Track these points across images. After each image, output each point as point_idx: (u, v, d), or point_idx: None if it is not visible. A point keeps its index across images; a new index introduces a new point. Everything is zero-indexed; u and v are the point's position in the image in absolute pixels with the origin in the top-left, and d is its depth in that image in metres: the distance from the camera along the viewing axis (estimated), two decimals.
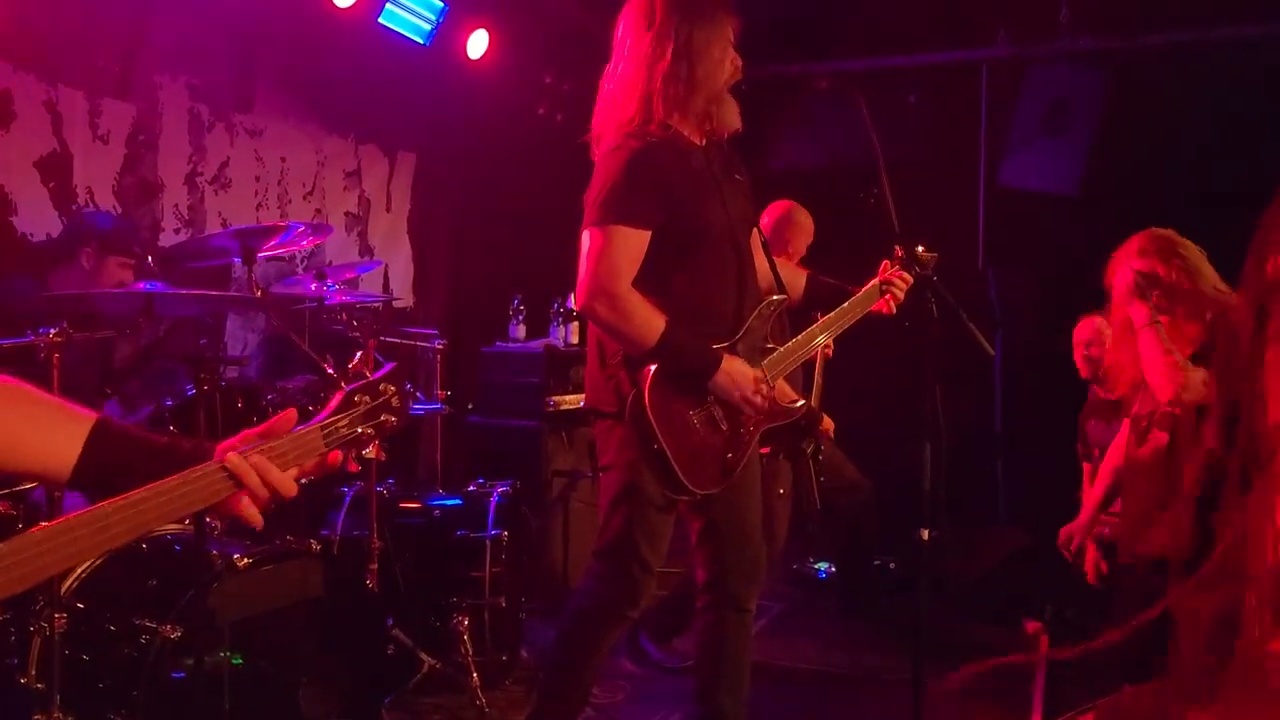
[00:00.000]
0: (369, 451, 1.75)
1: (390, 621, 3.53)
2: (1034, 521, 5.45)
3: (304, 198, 5.27)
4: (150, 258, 3.66)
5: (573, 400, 5.06)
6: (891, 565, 5.33)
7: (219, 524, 3.02)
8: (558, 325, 5.33)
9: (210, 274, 4.23)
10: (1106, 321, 4.31)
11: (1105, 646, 3.77)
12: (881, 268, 3.10)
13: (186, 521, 3.09)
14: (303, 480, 1.59)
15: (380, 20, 4.99)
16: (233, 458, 1.48)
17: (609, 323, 2.61)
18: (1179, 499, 3.12)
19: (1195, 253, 3.24)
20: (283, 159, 5.12)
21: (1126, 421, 3.56)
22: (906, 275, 3.06)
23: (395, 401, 1.71)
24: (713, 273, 2.73)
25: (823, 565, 5.69)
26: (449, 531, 3.91)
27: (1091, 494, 3.93)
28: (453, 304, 6.21)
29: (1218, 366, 2.72)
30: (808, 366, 4.09)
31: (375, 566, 3.67)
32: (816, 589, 5.54)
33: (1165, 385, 3.07)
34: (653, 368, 2.58)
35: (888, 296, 3.05)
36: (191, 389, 3.08)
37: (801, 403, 2.89)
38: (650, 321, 2.57)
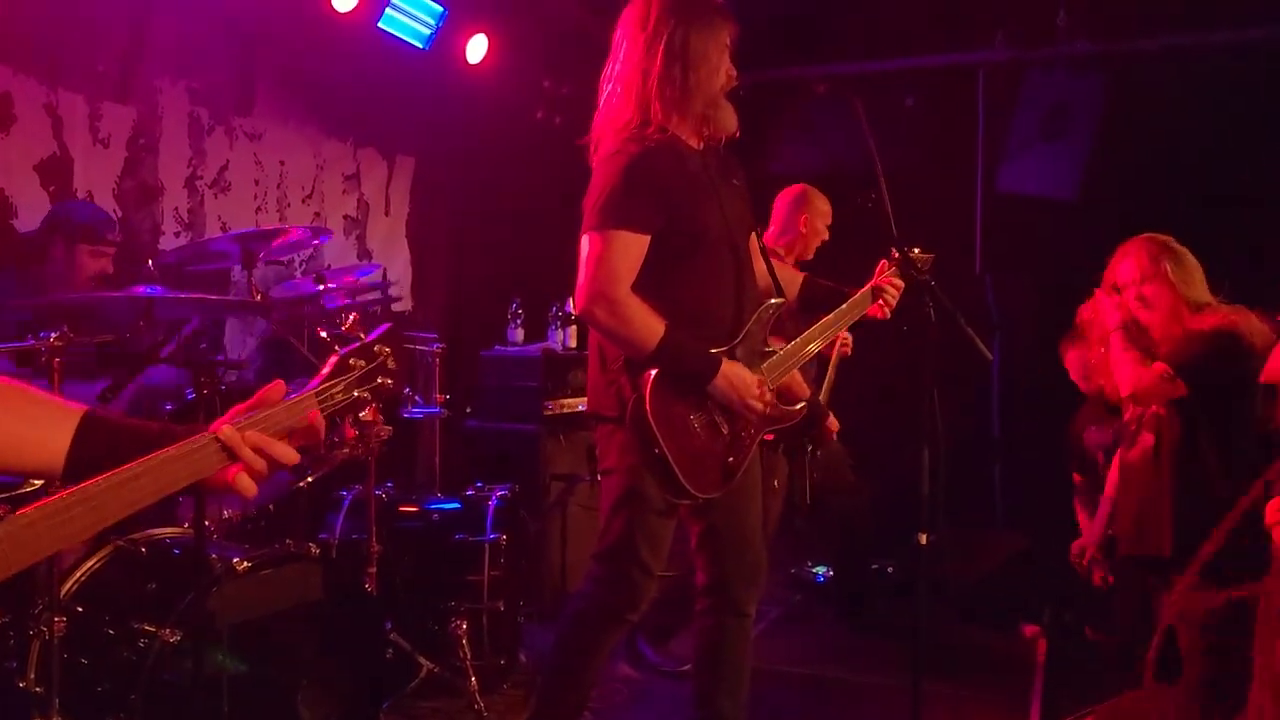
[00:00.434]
0: (365, 414, 1.71)
1: (389, 625, 3.54)
2: (1032, 525, 5.47)
3: (303, 201, 5.27)
4: (150, 262, 3.66)
5: (571, 404, 5.06)
6: (890, 569, 5.33)
7: (216, 528, 3.03)
8: (556, 329, 5.34)
9: (210, 278, 4.24)
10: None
11: (1103, 648, 3.79)
12: (878, 269, 3.11)
13: (186, 524, 3.10)
14: (301, 448, 1.56)
15: (380, 24, 4.99)
16: (226, 429, 1.45)
17: (608, 328, 2.61)
18: (1167, 498, 3.15)
19: (1188, 262, 3.26)
20: (282, 162, 5.12)
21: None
22: (899, 282, 3.08)
23: (391, 364, 1.68)
24: (711, 277, 2.74)
25: (821, 569, 5.69)
26: (447, 535, 3.91)
27: (1101, 506, 3.94)
28: (451, 307, 6.21)
29: None
30: (822, 362, 4.11)
31: (374, 570, 3.67)
32: (815, 593, 5.54)
33: (1125, 380, 3.14)
34: (653, 372, 2.58)
35: (880, 302, 3.07)
36: (191, 393, 3.08)
37: (801, 405, 2.90)
38: (650, 326, 2.57)
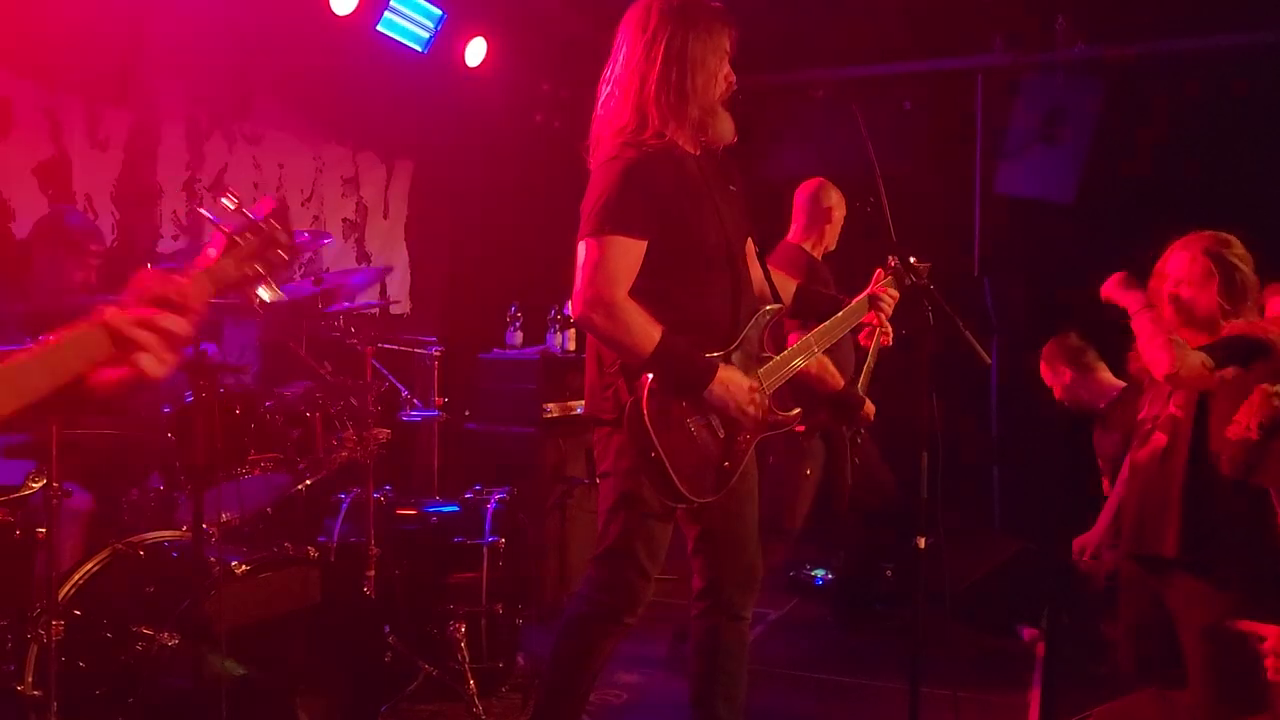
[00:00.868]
0: (266, 292, 1.69)
1: (387, 628, 3.53)
2: (1030, 528, 5.47)
3: (302, 204, 5.28)
4: (149, 264, 3.66)
5: (569, 407, 5.06)
6: (888, 572, 5.33)
7: (214, 531, 3.02)
8: (554, 332, 5.35)
9: None
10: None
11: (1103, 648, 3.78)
12: (875, 277, 3.12)
13: (184, 528, 3.10)
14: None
15: (379, 28, 5.00)
16: (111, 312, 1.43)
17: (606, 332, 2.61)
18: (1176, 499, 3.14)
19: (1239, 282, 3.20)
20: (280, 166, 5.13)
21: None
22: (895, 292, 3.09)
23: (282, 238, 1.66)
24: (708, 282, 2.74)
25: (819, 572, 5.69)
26: (446, 538, 3.91)
27: (1106, 506, 3.94)
28: (450, 310, 6.22)
29: None
30: (860, 351, 4.14)
31: (372, 573, 3.68)
32: (813, 596, 5.54)
33: (1161, 360, 3.04)
34: (650, 376, 2.58)
35: (874, 312, 3.07)
36: (190, 395, 3.08)
37: (797, 411, 2.90)
38: (647, 331, 2.57)
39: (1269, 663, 2.52)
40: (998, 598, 4.89)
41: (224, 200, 1.67)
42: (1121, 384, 4.41)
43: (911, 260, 3.03)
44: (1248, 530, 2.99)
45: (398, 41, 5.16)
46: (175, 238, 4.57)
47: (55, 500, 2.64)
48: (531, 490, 4.76)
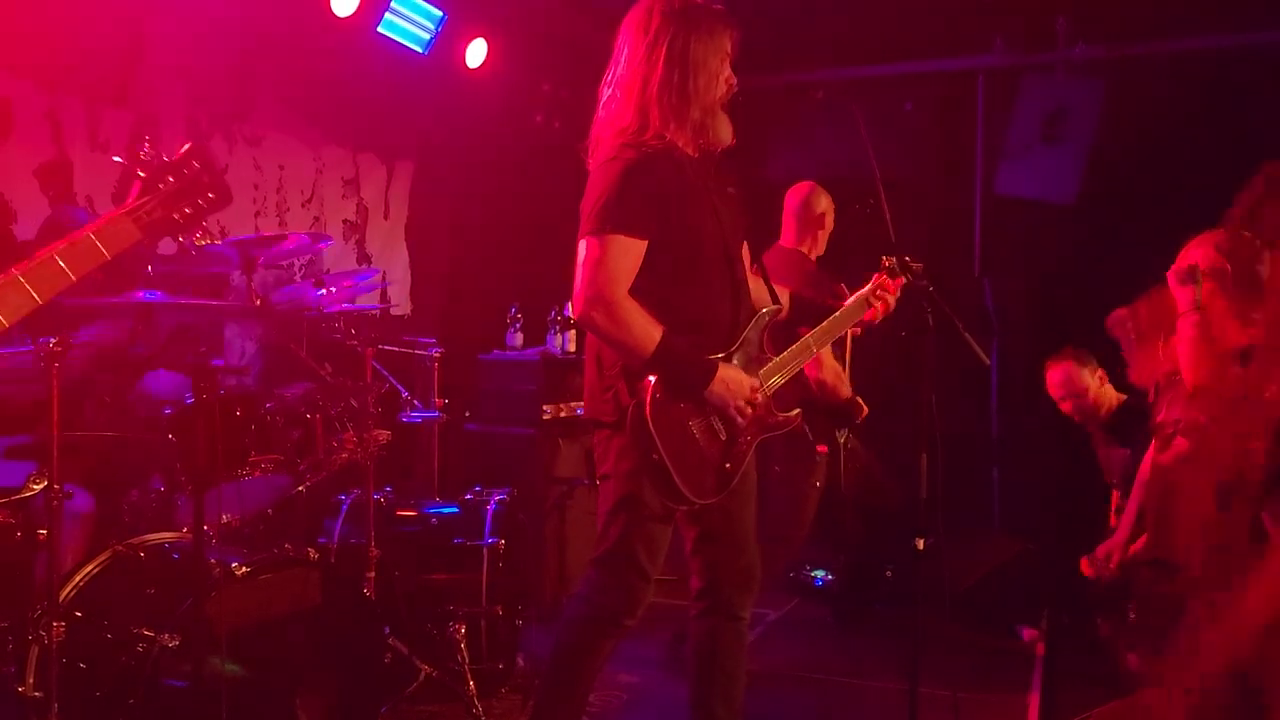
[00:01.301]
0: (201, 238, 1.70)
1: (387, 629, 3.54)
2: (1030, 529, 5.47)
3: (302, 206, 5.28)
4: (149, 267, 3.66)
5: (570, 408, 5.07)
6: (888, 573, 5.34)
7: (215, 533, 3.03)
8: (555, 333, 5.35)
9: (209, 282, 4.25)
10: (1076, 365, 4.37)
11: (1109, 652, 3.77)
12: (872, 280, 3.11)
13: (185, 529, 3.10)
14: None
15: (379, 29, 5.00)
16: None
17: (606, 332, 2.61)
18: (1196, 505, 3.12)
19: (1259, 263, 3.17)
20: (281, 167, 5.13)
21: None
22: (895, 281, 3.09)
23: (206, 179, 1.66)
24: (708, 284, 2.75)
25: (819, 573, 5.69)
26: (446, 539, 3.91)
27: (1127, 510, 3.94)
28: (450, 311, 6.22)
29: None
30: (837, 346, 4.20)
31: (372, 574, 3.68)
32: (812, 596, 5.54)
33: (1197, 368, 3.01)
34: (652, 379, 2.59)
35: (877, 306, 3.07)
36: (190, 397, 3.08)
37: (797, 412, 2.90)
38: (647, 331, 2.58)
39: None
40: (998, 598, 4.90)
41: (143, 150, 1.68)
42: (1123, 396, 4.41)
43: (907, 260, 3.04)
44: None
45: (398, 43, 5.16)
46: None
47: (56, 502, 2.64)
48: (531, 491, 4.76)
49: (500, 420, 5.09)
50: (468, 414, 5.15)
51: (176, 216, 1.58)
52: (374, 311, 5.01)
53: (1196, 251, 3.19)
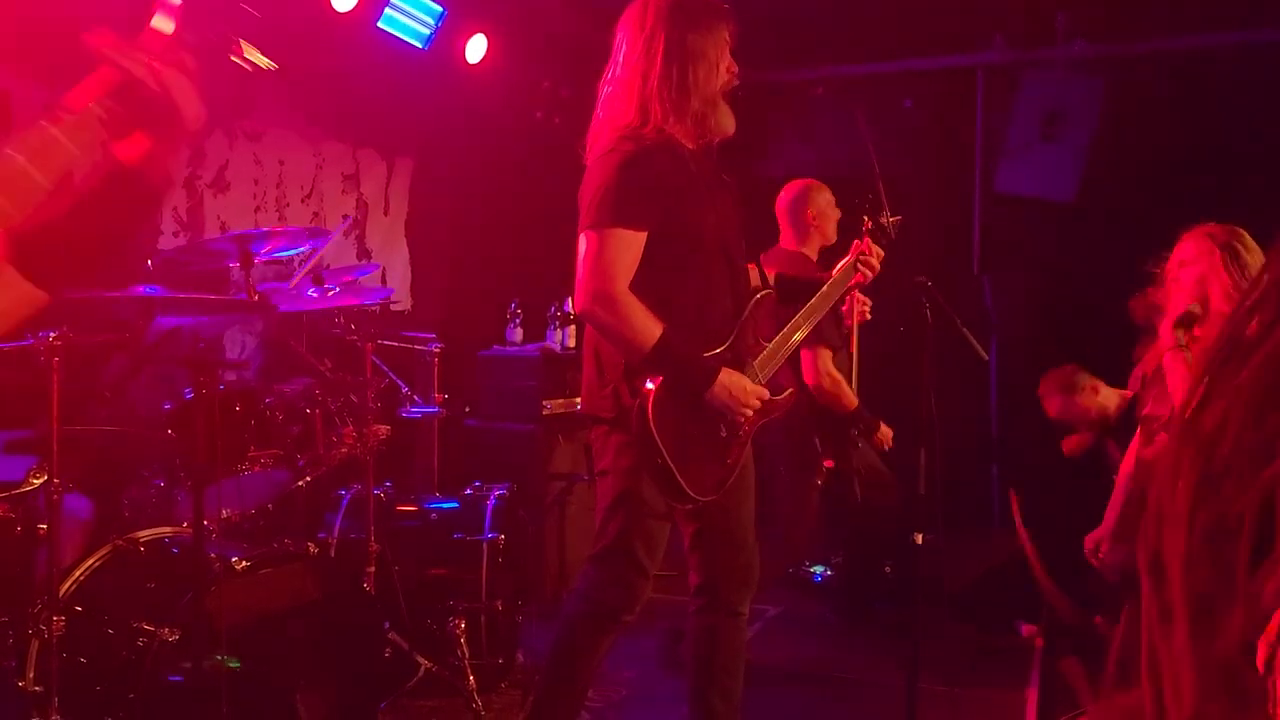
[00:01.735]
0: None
1: (387, 624, 3.54)
2: (1029, 525, 5.47)
3: (302, 201, 5.28)
4: (149, 261, 3.66)
5: (570, 404, 5.07)
6: (888, 569, 5.34)
7: (215, 527, 3.03)
8: (555, 329, 5.35)
9: (208, 277, 4.24)
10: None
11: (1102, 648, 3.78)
12: (852, 249, 3.10)
13: (185, 524, 3.11)
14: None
15: (379, 24, 5.00)
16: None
17: (607, 326, 2.62)
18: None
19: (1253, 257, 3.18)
20: (281, 162, 5.13)
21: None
22: (879, 249, 3.09)
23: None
24: (707, 278, 2.75)
25: (819, 569, 5.69)
26: (446, 534, 3.92)
27: (1112, 499, 3.95)
28: (450, 307, 6.22)
29: None
30: (848, 354, 4.22)
31: (372, 569, 3.68)
32: (812, 592, 5.54)
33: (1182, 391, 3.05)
34: (653, 383, 2.59)
35: (864, 270, 3.06)
36: (190, 392, 3.09)
37: (790, 391, 2.91)
38: (648, 327, 2.58)
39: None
40: (997, 594, 4.90)
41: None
42: (1126, 393, 4.42)
43: (883, 220, 3.03)
44: None
45: (398, 38, 5.16)
46: (176, 234, 4.57)
47: (56, 496, 2.65)
48: (531, 486, 4.77)
49: (500, 416, 5.09)
50: (468, 409, 5.15)
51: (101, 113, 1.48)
52: (373, 306, 5.01)
53: (1191, 245, 3.21)
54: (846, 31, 6.08)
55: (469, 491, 4.07)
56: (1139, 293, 4.17)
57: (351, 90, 5.34)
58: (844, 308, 3.63)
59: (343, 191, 5.57)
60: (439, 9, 5.29)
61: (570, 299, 2.72)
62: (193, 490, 2.86)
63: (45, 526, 2.69)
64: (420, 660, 3.70)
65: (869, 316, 4.03)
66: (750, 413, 2.69)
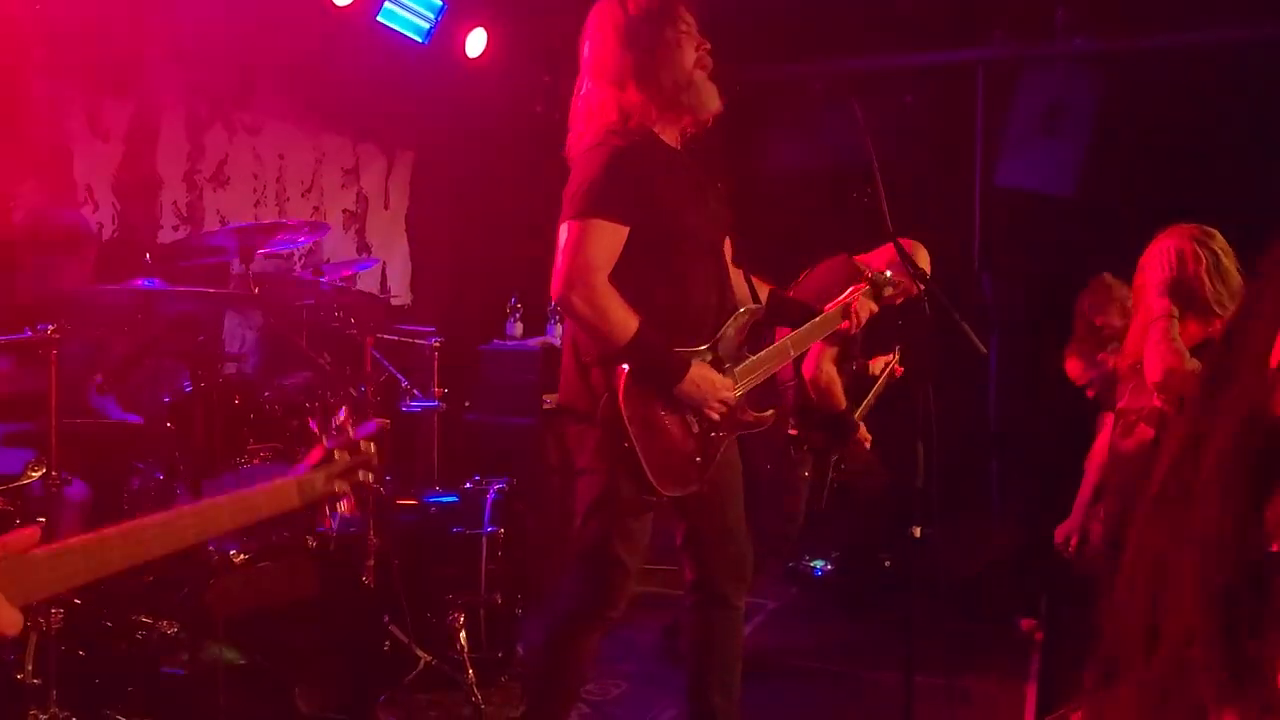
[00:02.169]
0: (342, 506, 1.80)
1: (386, 618, 3.55)
2: (1029, 519, 5.48)
3: (302, 195, 5.28)
4: (148, 255, 3.67)
5: None
6: (886, 563, 5.34)
7: None
8: (555, 323, 5.35)
9: (208, 271, 4.25)
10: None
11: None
12: (851, 290, 3.11)
13: None
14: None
15: (379, 18, 5.00)
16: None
17: (583, 315, 2.61)
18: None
19: (1228, 259, 3.20)
20: (281, 156, 5.13)
21: (1109, 416, 3.57)
22: (874, 306, 3.12)
23: (374, 461, 1.75)
24: (691, 276, 2.74)
25: (818, 563, 5.70)
26: (445, 528, 3.92)
27: (1081, 491, 3.95)
28: (450, 301, 6.22)
29: None
30: (861, 381, 4.19)
31: (371, 563, 3.69)
32: (811, 586, 5.55)
33: (1158, 366, 3.05)
34: (627, 368, 2.59)
35: (852, 319, 3.07)
36: (189, 385, 3.09)
37: (771, 412, 2.90)
38: (624, 319, 2.57)
39: None
40: (996, 588, 4.91)
41: (335, 420, 1.84)
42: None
43: (887, 275, 3.06)
44: None
45: (398, 32, 5.15)
46: (175, 228, 4.58)
47: (54, 489, 2.65)
48: (531, 481, 4.76)
49: (500, 410, 5.10)
50: (467, 404, 5.15)
51: (336, 489, 1.69)
52: (375, 304, 5.01)
53: (1168, 241, 3.21)
54: (845, 26, 6.07)
55: (468, 485, 4.08)
56: (1084, 290, 4.18)
57: (351, 84, 5.34)
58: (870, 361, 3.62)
59: (343, 185, 5.57)
60: (439, 3, 5.28)
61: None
62: (191, 483, 2.87)
63: (44, 519, 2.69)
64: (419, 653, 3.71)
65: (900, 373, 4.08)
66: (721, 407, 2.68)
